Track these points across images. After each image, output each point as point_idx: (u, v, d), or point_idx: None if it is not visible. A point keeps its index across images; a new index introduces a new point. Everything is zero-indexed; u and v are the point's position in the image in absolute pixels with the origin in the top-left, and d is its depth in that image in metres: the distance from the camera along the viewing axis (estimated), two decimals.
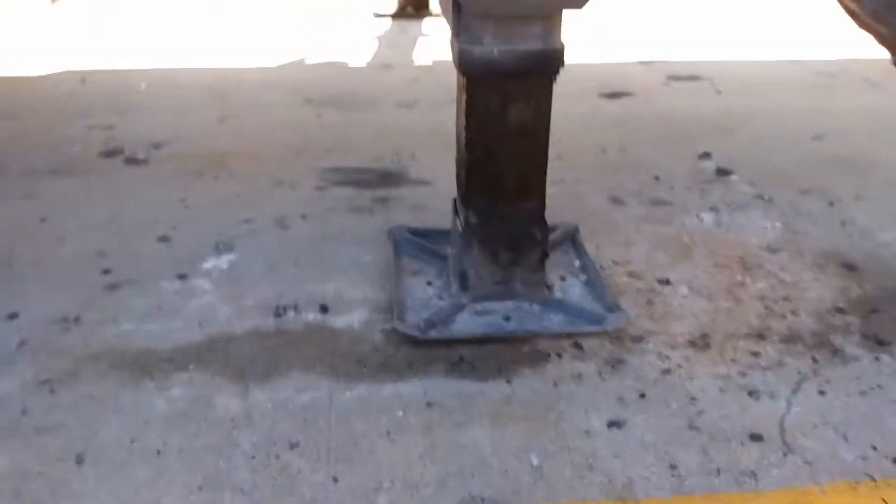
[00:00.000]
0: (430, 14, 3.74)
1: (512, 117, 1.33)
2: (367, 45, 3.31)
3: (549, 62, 1.28)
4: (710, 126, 2.43)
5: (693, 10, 3.92)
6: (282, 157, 2.16)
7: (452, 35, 1.32)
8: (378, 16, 3.76)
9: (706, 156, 2.19)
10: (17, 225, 1.77)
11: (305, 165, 2.10)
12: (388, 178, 2.04)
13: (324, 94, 2.68)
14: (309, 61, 3.09)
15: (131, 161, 2.12)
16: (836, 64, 3.04)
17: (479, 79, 1.30)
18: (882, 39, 1.48)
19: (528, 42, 1.26)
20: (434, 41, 3.36)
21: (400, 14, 3.74)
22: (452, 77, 2.91)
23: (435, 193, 1.95)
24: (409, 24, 3.63)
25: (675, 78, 2.90)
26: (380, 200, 1.92)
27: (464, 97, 1.34)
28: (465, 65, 1.28)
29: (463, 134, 1.38)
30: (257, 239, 1.73)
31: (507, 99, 1.31)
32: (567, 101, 1.79)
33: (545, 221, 1.42)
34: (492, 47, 1.25)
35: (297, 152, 2.20)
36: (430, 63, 3.10)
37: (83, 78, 2.80)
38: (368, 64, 3.09)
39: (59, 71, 2.91)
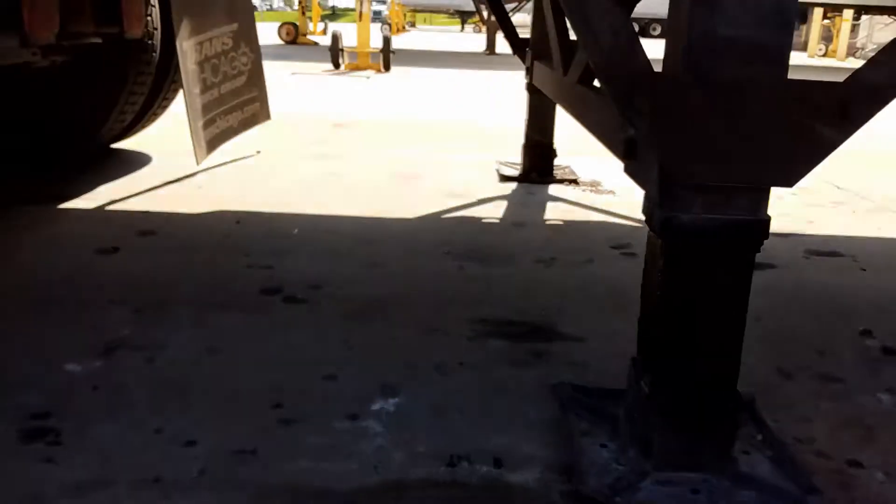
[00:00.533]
0: (555, 180, 3.89)
1: (712, 284, 1.33)
2: (497, 205, 3.44)
3: (755, 233, 1.30)
4: (863, 303, 2.36)
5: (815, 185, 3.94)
6: (432, 306, 2.21)
7: (651, 201, 1.36)
8: (504, 178, 3.93)
9: (867, 333, 2.12)
10: (189, 354, 1.85)
11: (455, 315, 2.14)
12: (538, 333, 2.05)
13: (463, 247, 2.77)
14: (445, 216, 3.23)
15: (290, 300, 2.21)
16: None
17: (682, 245, 1.31)
18: None
19: (735, 212, 1.28)
20: (561, 204, 3.47)
21: (525, 178, 3.91)
22: (586, 236, 2.99)
23: (589, 350, 1.94)
24: (535, 188, 3.77)
25: (813, 252, 2.87)
26: (534, 354, 1.92)
27: (661, 261, 1.36)
28: (669, 231, 1.30)
29: (656, 297, 1.39)
30: (419, 384, 1.74)
31: (709, 266, 1.31)
32: None
33: (737, 390, 1.38)
34: (698, 215, 1.28)
35: (445, 301, 2.25)
36: (561, 223, 3.18)
37: (238, 220, 3.00)
38: (501, 221, 3.20)
39: (214, 210, 3.13)
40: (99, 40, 3.07)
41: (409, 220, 3.14)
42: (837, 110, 1.24)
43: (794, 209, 3.51)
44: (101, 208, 3.11)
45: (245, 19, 4.03)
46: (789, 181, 1.28)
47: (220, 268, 2.46)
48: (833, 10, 20.11)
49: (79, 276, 2.33)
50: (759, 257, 2.89)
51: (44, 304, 2.11)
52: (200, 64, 3.53)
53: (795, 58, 21.87)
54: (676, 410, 1.37)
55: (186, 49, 3.36)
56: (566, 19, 3.08)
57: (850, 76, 1.25)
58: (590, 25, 1.23)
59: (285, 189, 3.56)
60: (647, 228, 1.39)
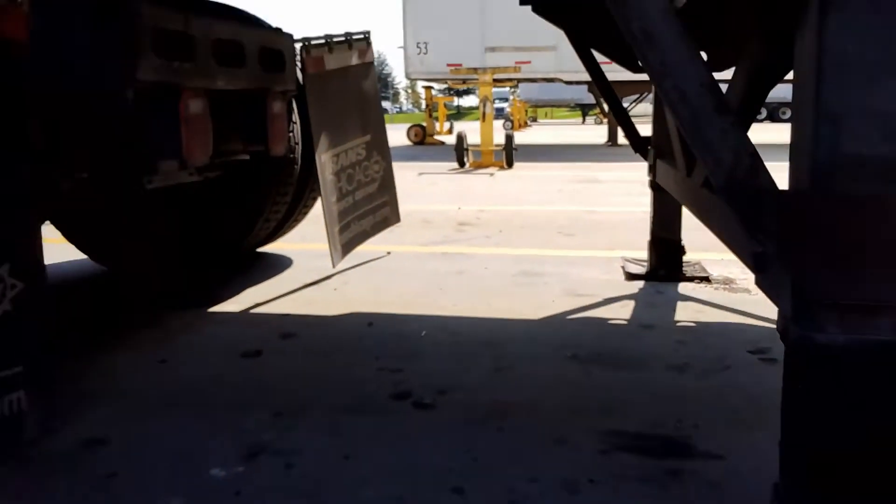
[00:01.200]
0: (685, 278, 3.79)
1: (857, 411, 1.25)
2: (623, 305, 3.39)
3: None
4: None
5: None
6: (559, 414, 2.19)
7: (785, 318, 1.32)
8: (630, 276, 3.88)
9: None
10: (323, 459, 1.92)
11: (584, 425, 2.10)
12: (673, 447, 1.97)
13: (589, 350, 2.74)
14: (570, 317, 3.22)
15: (419, 405, 2.26)
16: None
17: (820, 368, 1.25)
18: None
19: (877, 333, 1.22)
20: (692, 304, 3.37)
21: (652, 276, 3.84)
22: (719, 341, 2.87)
23: (730, 469, 1.84)
24: (664, 287, 3.69)
25: None
26: (670, 473, 1.84)
27: (798, 383, 1.30)
28: (805, 352, 1.25)
29: (792, 423, 1.32)
30: (549, 501, 1.71)
31: (851, 391, 1.24)
32: None
33: None
34: (836, 336, 1.23)
35: (572, 410, 2.22)
36: (693, 324, 3.09)
37: (370, 322, 3.13)
38: (628, 323, 3.15)
39: (348, 312, 3.29)
40: (247, 157, 3.38)
41: (533, 321, 3.16)
42: None
43: None
44: (246, 311, 3.35)
45: (377, 130, 4.32)
46: None
47: (353, 371, 2.56)
48: None
49: (225, 380, 2.50)
50: None
51: (192, 408, 2.27)
52: (337, 174, 3.80)
53: None
54: None
55: (325, 161, 3.64)
56: None
57: None
58: (709, 147, 1.24)
59: (413, 289, 3.68)
60: None
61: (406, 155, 14.34)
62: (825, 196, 1.21)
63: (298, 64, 3.60)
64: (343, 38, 3.93)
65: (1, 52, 1.81)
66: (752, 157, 1.24)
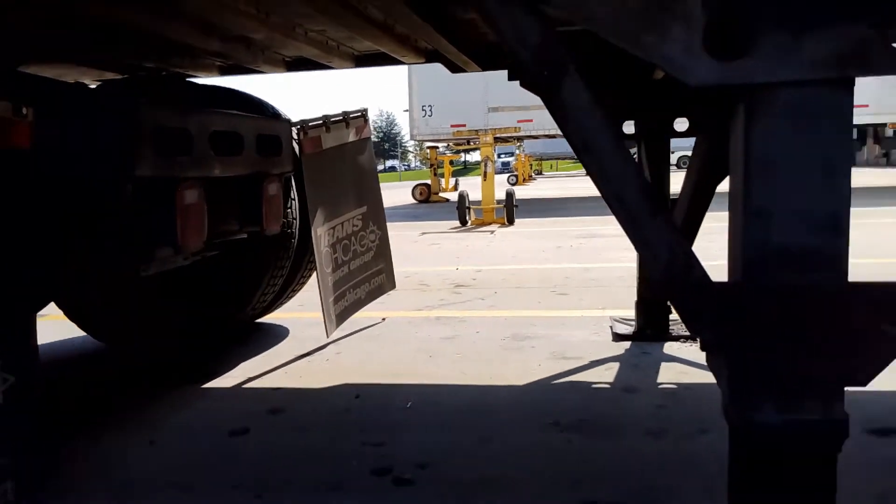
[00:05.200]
0: (671, 337, 3.85)
1: (792, 486, 1.31)
2: (608, 367, 3.44)
3: (831, 433, 1.29)
4: None
5: None
6: (539, 486, 2.23)
7: (726, 399, 1.39)
8: (617, 337, 3.94)
9: None
10: None
11: (563, 496, 2.15)
12: None
13: (572, 417, 2.79)
14: (555, 381, 3.27)
15: (399, 481, 2.30)
16: None
17: (758, 447, 1.32)
18: None
19: (809, 413, 1.28)
20: (677, 365, 3.42)
21: (639, 336, 3.90)
22: (700, 402, 2.92)
23: None
24: (650, 347, 3.74)
25: None
26: None
27: (738, 462, 1.36)
28: (744, 432, 1.32)
29: (735, 498, 1.38)
30: None
31: (786, 467, 1.31)
32: None
33: None
34: (771, 417, 1.30)
35: (552, 481, 2.26)
36: (675, 387, 3.13)
37: (358, 393, 3.19)
38: (612, 386, 3.19)
39: (338, 384, 3.35)
40: (244, 236, 3.50)
41: (519, 387, 3.21)
42: None
43: None
44: (238, 386, 3.42)
45: (373, 202, 4.45)
46: (862, 381, 1.27)
47: (336, 446, 2.61)
48: None
49: (211, 460, 2.55)
50: (886, 421, 2.71)
51: (178, 490, 2.32)
52: (333, 245, 3.91)
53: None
54: None
55: (320, 234, 3.76)
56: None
57: None
58: (647, 245, 1.33)
59: (404, 357, 3.75)
60: None
61: (410, 214, 14.52)
62: (756, 287, 1.30)
63: (296, 145, 3.75)
64: (340, 118, 4.10)
65: (6, 159, 1.95)
66: (686, 255, 1.33)
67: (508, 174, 29.86)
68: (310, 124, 3.76)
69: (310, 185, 3.65)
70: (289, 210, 3.89)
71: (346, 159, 4.13)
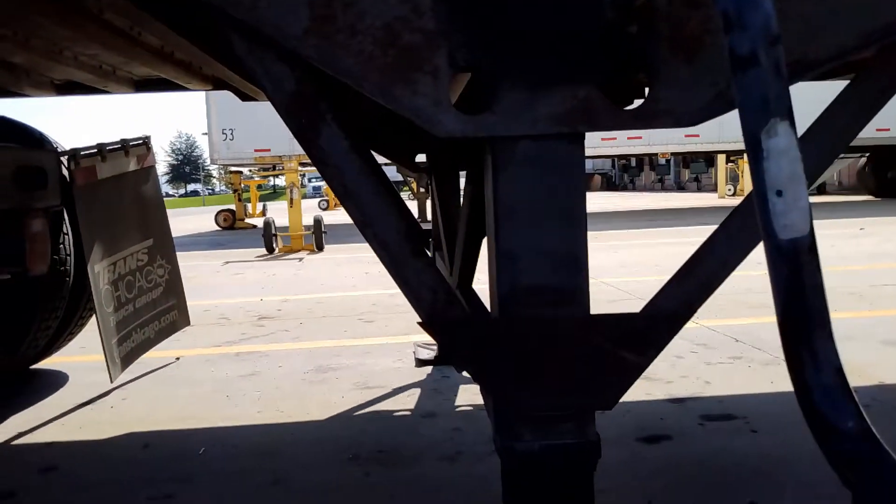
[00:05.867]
0: None
1: (557, 499, 1.41)
2: (410, 394, 3.51)
3: (585, 454, 1.40)
4: (749, 472, 2.46)
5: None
6: None
7: (494, 429, 1.47)
8: (420, 363, 4.03)
9: None
10: None
11: None
12: None
13: (370, 448, 2.80)
14: (357, 413, 3.28)
15: None
16: None
17: (521, 471, 1.41)
18: None
19: (563, 437, 1.39)
20: (472, 387, 3.57)
21: (441, 360, 4.01)
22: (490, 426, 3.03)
23: None
24: (450, 371, 3.86)
25: (707, 417, 2.99)
26: None
27: (508, 493, 1.44)
28: (507, 459, 1.40)
29: None
30: None
31: (548, 490, 1.40)
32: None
33: None
34: (530, 443, 1.39)
35: None
36: (471, 408, 3.26)
37: (146, 443, 2.99)
38: (412, 413, 3.26)
39: (122, 434, 3.12)
40: (7, 276, 3.16)
41: (320, 422, 3.18)
42: (638, 338, 1.40)
43: (692, 369, 3.68)
44: (5, 444, 3.06)
45: (160, 234, 4.21)
46: (608, 403, 1.40)
47: (120, 502, 2.43)
48: (734, 155, 21.85)
49: None
50: (656, 428, 3.00)
51: None
52: (114, 283, 3.64)
53: (708, 199, 23.38)
54: None
55: (98, 271, 3.49)
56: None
57: (646, 305, 1.42)
58: (409, 286, 1.38)
59: (199, 399, 3.57)
60: None
61: (214, 242, 13.92)
62: (507, 322, 1.39)
63: (67, 175, 3.46)
64: (118, 146, 3.84)
65: None
66: (447, 294, 1.39)
67: (319, 199, 29.63)
68: (82, 153, 3.50)
69: (84, 219, 3.39)
70: (61, 246, 3.58)
71: (126, 190, 3.88)
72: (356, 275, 8.13)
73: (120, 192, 3.82)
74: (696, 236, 10.62)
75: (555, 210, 1.33)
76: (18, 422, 3.33)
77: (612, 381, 1.41)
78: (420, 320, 1.40)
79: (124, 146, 3.89)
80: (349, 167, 1.35)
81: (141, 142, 4.10)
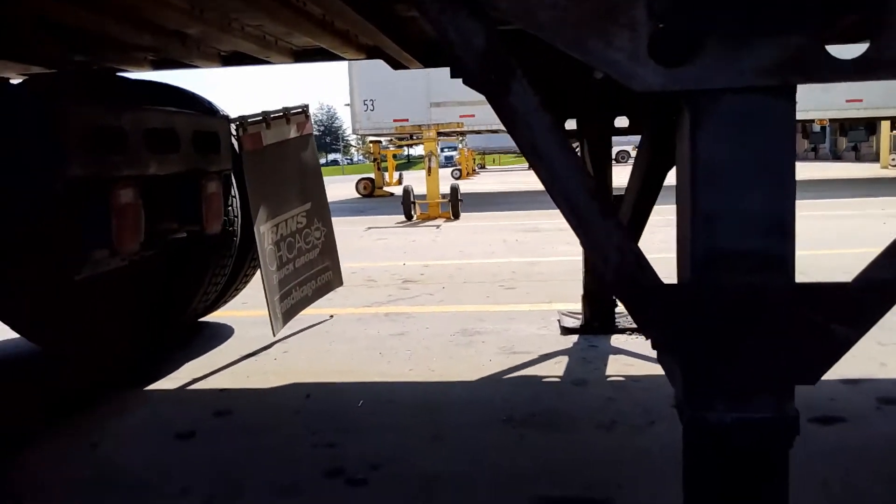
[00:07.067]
0: (617, 329, 3.92)
1: (745, 482, 1.34)
2: (557, 361, 3.48)
3: (782, 430, 1.32)
4: None
5: None
6: (492, 482, 2.24)
7: (678, 399, 1.41)
8: (566, 331, 3.99)
9: None
10: None
11: (516, 492, 2.17)
12: None
13: (523, 412, 2.81)
14: (506, 377, 3.29)
15: (352, 482, 2.29)
16: None
17: (710, 445, 1.35)
18: None
19: (759, 411, 1.32)
20: (623, 357, 3.49)
21: (587, 329, 3.96)
22: (647, 394, 2.98)
23: None
24: (598, 340, 3.81)
25: (885, 400, 2.77)
26: None
27: (692, 463, 1.39)
28: (697, 431, 1.35)
29: (690, 496, 1.41)
30: None
31: (740, 465, 1.34)
32: None
33: None
34: (723, 416, 1.32)
35: (505, 477, 2.28)
36: (622, 379, 3.19)
37: (308, 393, 3.15)
38: (561, 380, 3.23)
39: (286, 384, 3.30)
40: (183, 235, 3.40)
41: (470, 383, 3.22)
42: (850, 310, 1.29)
43: (864, 348, 3.41)
44: (182, 388, 3.33)
45: (317, 198, 4.39)
46: (810, 380, 1.31)
47: (287, 448, 2.57)
48: None
49: (156, 464, 2.49)
50: (828, 408, 2.82)
51: (123, 494, 2.26)
52: (277, 243, 3.85)
53: (869, 170, 21.53)
54: None
55: (263, 232, 3.69)
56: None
57: (857, 276, 1.31)
58: (597, 247, 1.34)
59: (354, 355, 3.72)
60: None
61: (355, 209, 14.41)
62: (705, 289, 1.32)
63: (235, 142, 3.67)
64: (281, 114, 4.02)
65: None
66: (636, 256, 1.34)
67: (452, 168, 29.94)
68: (249, 120, 3.69)
69: (251, 183, 3.58)
70: (230, 208, 3.81)
71: (287, 156, 4.07)
72: (494, 242, 8.15)
73: (282, 157, 4.00)
74: (856, 209, 9.78)
75: (761, 170, 1.25)
76: (192, 368, 3.61)
77: (817, 356, 1.31)
78: (607, 280, 1.36)
79: (286, 114, 4.07)
80: (539, 124, 1.32)
81: (300, 110, 4.27)
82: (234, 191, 3.90)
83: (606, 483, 2.20)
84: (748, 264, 1.29)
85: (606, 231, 1.34)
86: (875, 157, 23.34)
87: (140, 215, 2.71)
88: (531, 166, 1.36)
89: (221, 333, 4.31)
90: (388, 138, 18.40)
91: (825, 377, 3.02)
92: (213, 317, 4.60)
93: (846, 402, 2.77)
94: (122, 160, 2.66)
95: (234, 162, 3.61)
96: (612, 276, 1.35)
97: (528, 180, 23.50)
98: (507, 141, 29.39)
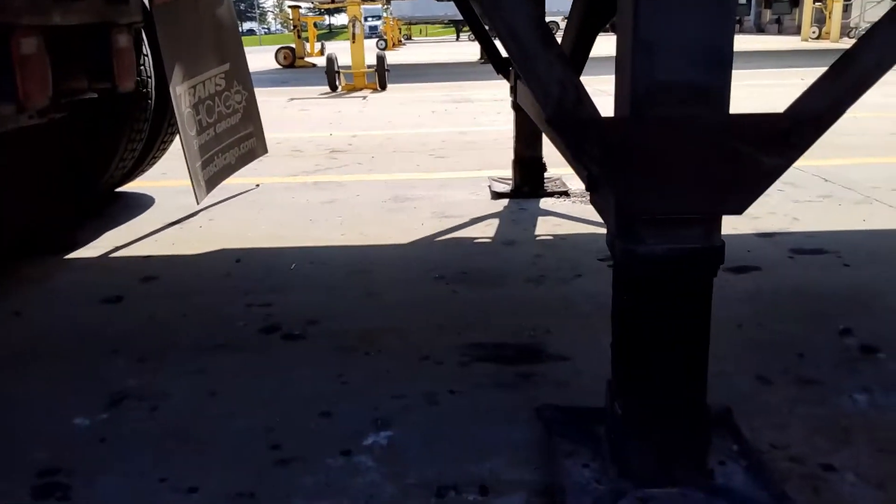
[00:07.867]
0: (546, 193, 3.97)
1: (673, 310, 1.40)
2: (488, 224, 3.52)
3: (709, 259, 1.37)
4: (844, 301, 2.42)
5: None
6: (425, 334, 2.29)
7: (611, 234, 1.44)
8: (496, 195, 4.01)
9: (847, 332, 2.18)
10: (190, 398, 1.94)
11: (448, 342, 2.22)
12: (527, 354, 2.12)
13: (455, 270, 2.85)
14: (438, 239, 3.31)
15: (288, 337, 2.30)
16: None
17: (642, 275, 1.39)
18: None
19: (689, 241, 1.35)
20: (552, 218, 3.55)
21: (516, 193, 3.99)
22: (574, 250, 3.06)
23: (575, 369, 2.02)
24: (527, 203, 3.85)
25: (797, 251, 2.93)
26: (522, 376, 1.99)
27: (623, 292, 1.43)
28: (629, 262, 1.38)
29: (620, 326, 1.46)
30: (411, 415, 1.82)
31: (669, 293, 1.39)
32: None
33: (706, 404, 1.45)
34: (654, 247, 1.36)
35: (437, 328, 2.33)
36: (550, 237, 3.26)
37: (238, 258, 3.10)
38: (492, 240, 3.28)
39: (215, 250, 3.23)
40: (95, 94, 3.18)
41: (403, 246, 3.23)
42: (780, 140, 1.31)
43: (780, 206, 3.57)
44: (105, 255, 3.22)
45: (236, 59, 4.14)
46: (739, 209, 1.35)
47: (220, 309, 2.55)
48: None
49: (84, 328, 2.43)
50: (744, 259, 2.97)
51: (51, 359, 2.21)
52: (195, 106, 3.64)
53: (790, 42, 21.86)
54: (648, 430, 1.44)
55: (180, 93, 3.48)
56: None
57: (790, 106, 1.32)
58: (538, 80, 1.30)
59: (284, 221, 3.66)
60: None
61: (276, 79, 13.79)
62: (640, 121, 1.31)
63: None
64: None
65: None
66: (576, 89, 1.31)
67: (377, 39, 28.80)
68: None
69: (164, 39, 3.33)
70: (142, 67, 3.56)
71: (202, 11, 3.78)
72: (422, 113, 8.00)
73: (197, 13, 3.72)
74: (777, 79, 9.96)
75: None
76: (113, 237, 3.49)
77: (746, 186, 1.34)
78: (547, 116, 1.33)
79: None
80: None
81: None
82: (146, 48, 3.63)
83: (535, 329, 2.28)
84: (682, 95, 1.29)
85: (548, 62, 1.29)
86: (797, 30, 23.70)
87: (46, 67, 2.50)
88: None
89: (142, 203, 4.15)
90: (309, 3, 17.40)
91: (742, 231, 3.15)
92: (132, 187, 4.41)
93: (761, 253, 2.92)
94: (23, 5, 2.41)
95: (143, 15, 3.33)
96: (553, 111, 1.32)
97: (457, 52, 22.92)
98: (434, 9, 28.30)
